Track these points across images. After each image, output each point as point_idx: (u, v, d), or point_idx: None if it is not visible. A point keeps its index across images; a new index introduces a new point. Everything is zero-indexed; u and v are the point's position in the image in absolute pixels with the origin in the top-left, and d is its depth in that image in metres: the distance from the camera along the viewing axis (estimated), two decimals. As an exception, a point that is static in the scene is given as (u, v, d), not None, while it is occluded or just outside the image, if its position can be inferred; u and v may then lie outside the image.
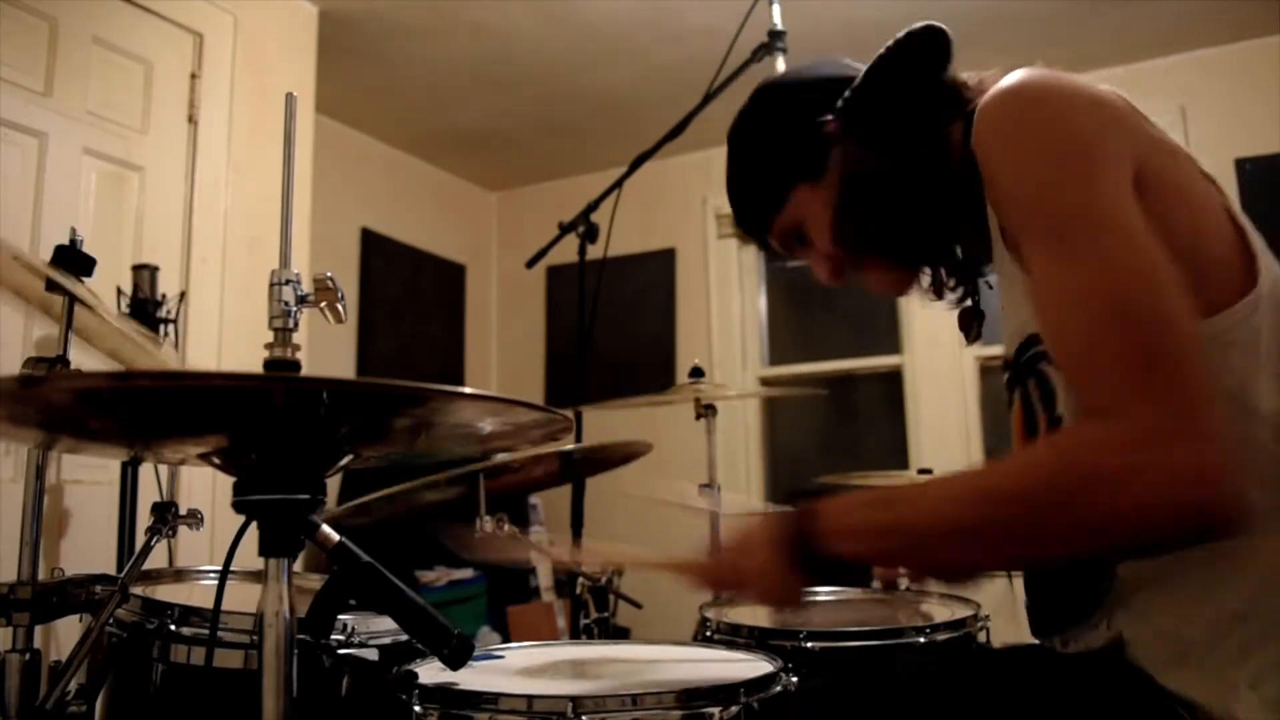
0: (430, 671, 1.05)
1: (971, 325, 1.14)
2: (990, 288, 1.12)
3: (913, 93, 1.02)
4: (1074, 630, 0.99)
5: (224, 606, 1.00)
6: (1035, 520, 0.79)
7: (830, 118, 1.04)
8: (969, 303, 1.15)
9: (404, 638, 1.16)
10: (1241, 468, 0.74)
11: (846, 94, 1.04)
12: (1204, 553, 0.83)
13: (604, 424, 2.66)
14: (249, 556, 0.84)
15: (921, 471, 2.14)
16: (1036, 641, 1.09)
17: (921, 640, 1.29)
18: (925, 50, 1.02)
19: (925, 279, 1.13)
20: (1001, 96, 0.89)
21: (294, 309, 0.83)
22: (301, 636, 0.83)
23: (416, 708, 0.96)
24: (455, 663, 0.91)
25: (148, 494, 1.99)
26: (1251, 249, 0.89)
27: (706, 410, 2.02)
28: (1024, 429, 1.01)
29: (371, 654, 1.15)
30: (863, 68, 1.05)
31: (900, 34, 1.03)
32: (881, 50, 1.03)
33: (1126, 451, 0.75)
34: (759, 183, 1.13)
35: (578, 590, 1.94)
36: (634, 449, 1.76)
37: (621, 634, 2.43)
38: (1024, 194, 0.87)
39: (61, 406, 0.77)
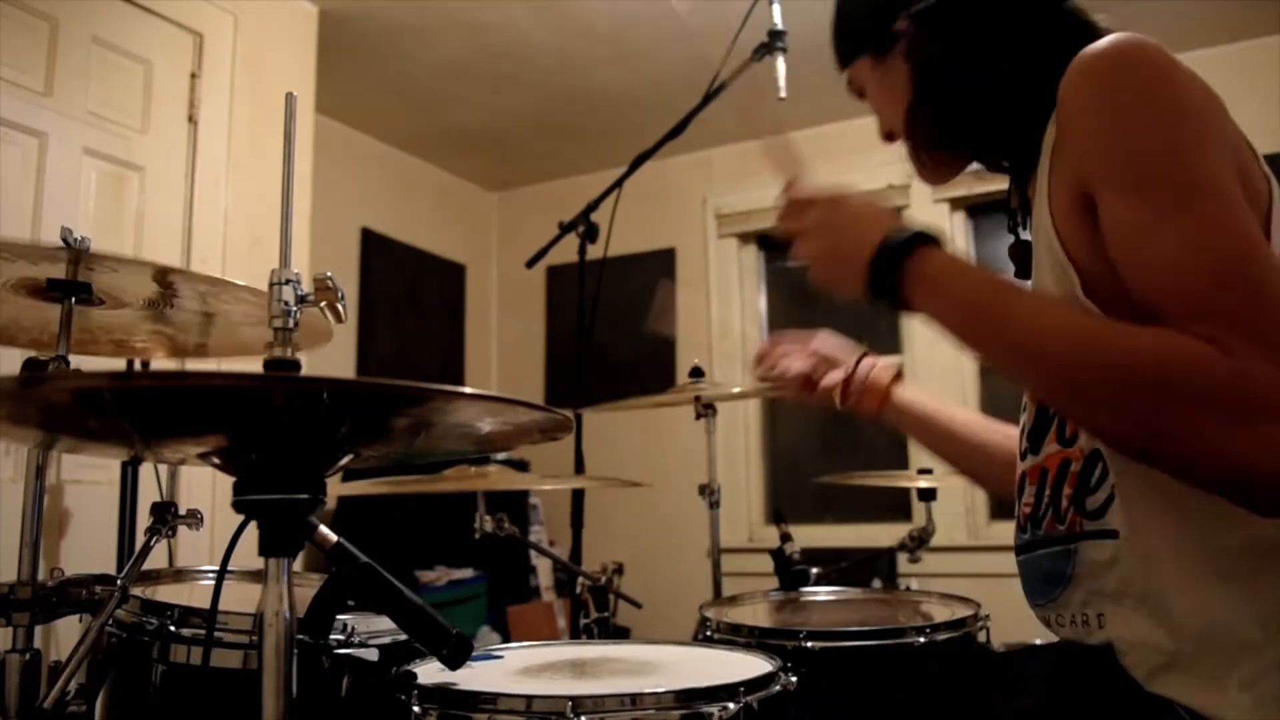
0: (429, 672, 1.05)
1: (1020, 256, 1.10)
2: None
3: (1000, 17, 1.02)
4: (1054, 604, 0.99)
5: (224, 606, 1.00)
6: (1127, 392, 0.79)
7: (903, 20, 1.06)
8: (1017, 236, 1.12)
9: (404, 638, 1.16)
10: None
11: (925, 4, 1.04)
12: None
13: (604, 424, 2.66)
14: (249, 556, 0.84)
15: (921, 471, 2.14)
16: (1037, 641, 1.09)
17: (921, 640, 1.29)
18: None
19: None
20: (1109, 53, 0.88)
21: (294, 309, 0.83)
22: (301, 636, 0.83)
23: (415, 708, 0.96)
24: (454, 662, 0.91)
25: (148, 494, 1.99)
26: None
27: (706, 410, 2.02)
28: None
29: (371, 654, 1.15)
30: None
31: None
32: None
33: (1250, 388, 0.74)
34: (837, 34, 1.17)
35: (578, 590, 1.94)
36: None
37: (621, 634, 2.43)
38: (1131, 147, 0.85)
39: (61, 406, 0.77)
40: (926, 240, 0.91)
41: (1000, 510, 3.72)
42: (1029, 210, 1.05)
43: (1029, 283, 1.02)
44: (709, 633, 1.39)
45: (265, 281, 0.83)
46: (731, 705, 0.94)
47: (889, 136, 1.15)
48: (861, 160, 3.33)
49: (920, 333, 3.96)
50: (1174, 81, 0.87)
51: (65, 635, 1.61)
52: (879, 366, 1.38)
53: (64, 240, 1.18)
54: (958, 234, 3.99)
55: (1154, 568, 0.89)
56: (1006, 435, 1.30)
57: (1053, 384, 0.86)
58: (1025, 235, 1.09)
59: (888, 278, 0.91)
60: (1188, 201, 0.81)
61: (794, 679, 1.03)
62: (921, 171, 1.13)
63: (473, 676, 1.07)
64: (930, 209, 3.89)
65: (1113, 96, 0.87)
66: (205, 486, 2.52)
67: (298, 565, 1.04)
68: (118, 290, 1.30)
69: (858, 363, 1.38)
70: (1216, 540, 0.86)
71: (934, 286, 0.90)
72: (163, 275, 1.27)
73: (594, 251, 2.38)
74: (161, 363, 1.66)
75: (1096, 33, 0.98)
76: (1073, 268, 0.90)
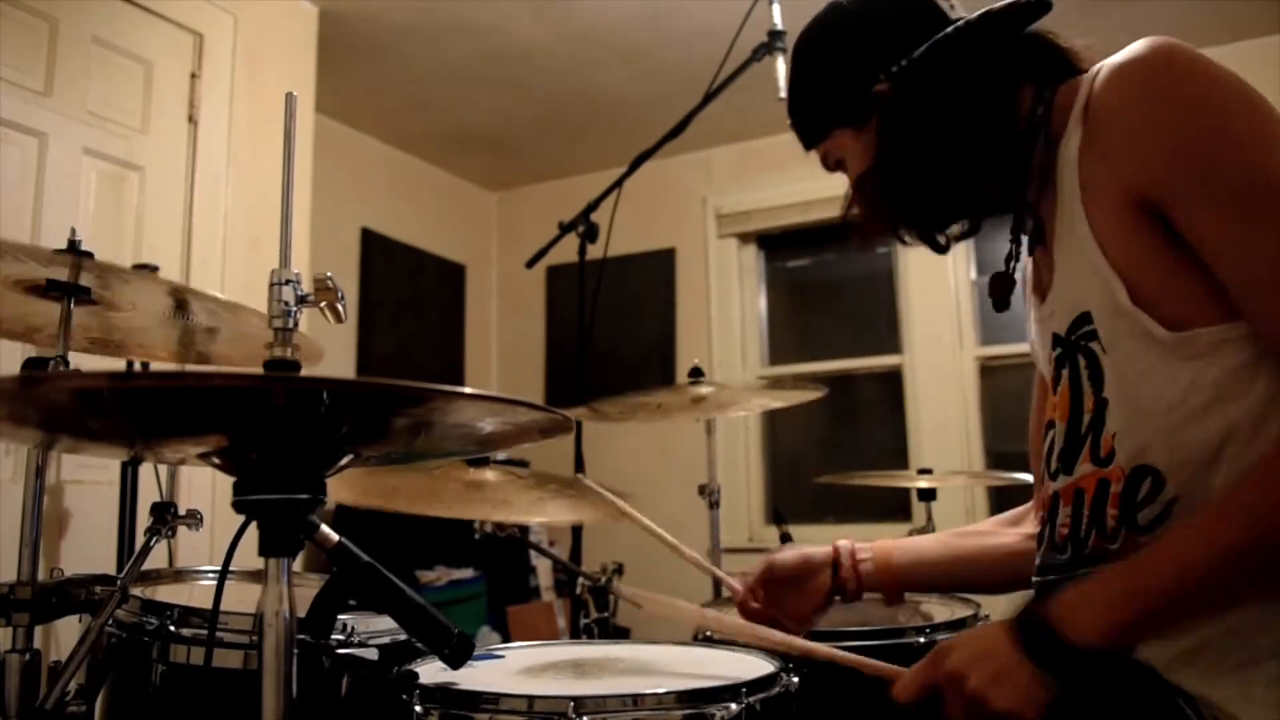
0: (431, 671, 1.05)
1: (1000, 290, 1.10)
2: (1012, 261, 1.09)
3: (978, 65, 1.00)
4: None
5: (224, 606, 1.00)
6: None
7: (882, 81, 1.03)
8: (1004, 267, 1.11)
9: (404, 637, 1.16)
10: None
11: (903, 63, 1.01)
12: None
13: (604, 424, 2.66)
14: (249, 556, 0.84)
15: (921, 471, 2.14)
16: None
17: (921, 640, 1.29)
18: (1011, 17, 1.00)
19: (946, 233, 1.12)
20: (1151, 59, 0.88)
21: (294, 309, 0.83)
22: (301, 636, 0.83)
23: (417, 708, 0.96)
24: (455, 662, 0.91)
25: (148, 494, 1.99)
26: None
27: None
28: (1069, 409, 0.99)
29: (371, 654, 1.15)
30: (945, 4, 1.03)
31: (995, 5, 1.01)
32: (956, 23, 1.01)
33: None
34: (803, 111, 1.13)
35: (578, 590, 1.94)
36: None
37: (621, 634, 2.42)
38: (1204, 156, 0.85)
39: (61, 406, 0.77)
40: (1036, 607, 0.87)
41: (1000, 511, 3.72)
42: (1041, 231, 1.04)
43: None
44: (709, 633, 1.39)
45: (266, 282, 0.83)
46: (734, 706, 0.94)
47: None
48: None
49: (920, 333, 3.96)
50: (1225, 84, 0.87)
51: (65, 635, 1.61)
52: (857, 552, 1.26)
53: (69, 244, 1.18)
54: (958, 257, 3.92)
55: None
56: (983, 534, 1.29)
57: (1255, 570, 0.81)
58: (1018, 265, 1.10)
59: (1054, 649, 0.83)
60: (1272, 205, 0.82)
61: (795, 679, 1.03)
62: (861, 233, 1.11)
63: (474, 676, 1.07)
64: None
65: (1165, 104, 0.86)
66: (205, 486, 2.52)
67: (298, 565, 1.04)
68: (117, 295, 1.30)
69: (835, 561, 1.26)
70: None
71: (1080, 609, 0.83)
72: (175, 292, 1.27)
73: (594, 251, 2.38)
74: (161, 366, 1.66)
75: (1064, 51, 1.00)
76: (1118, 278, 0.89)
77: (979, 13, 1.02)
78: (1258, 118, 0.86)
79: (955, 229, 1.11)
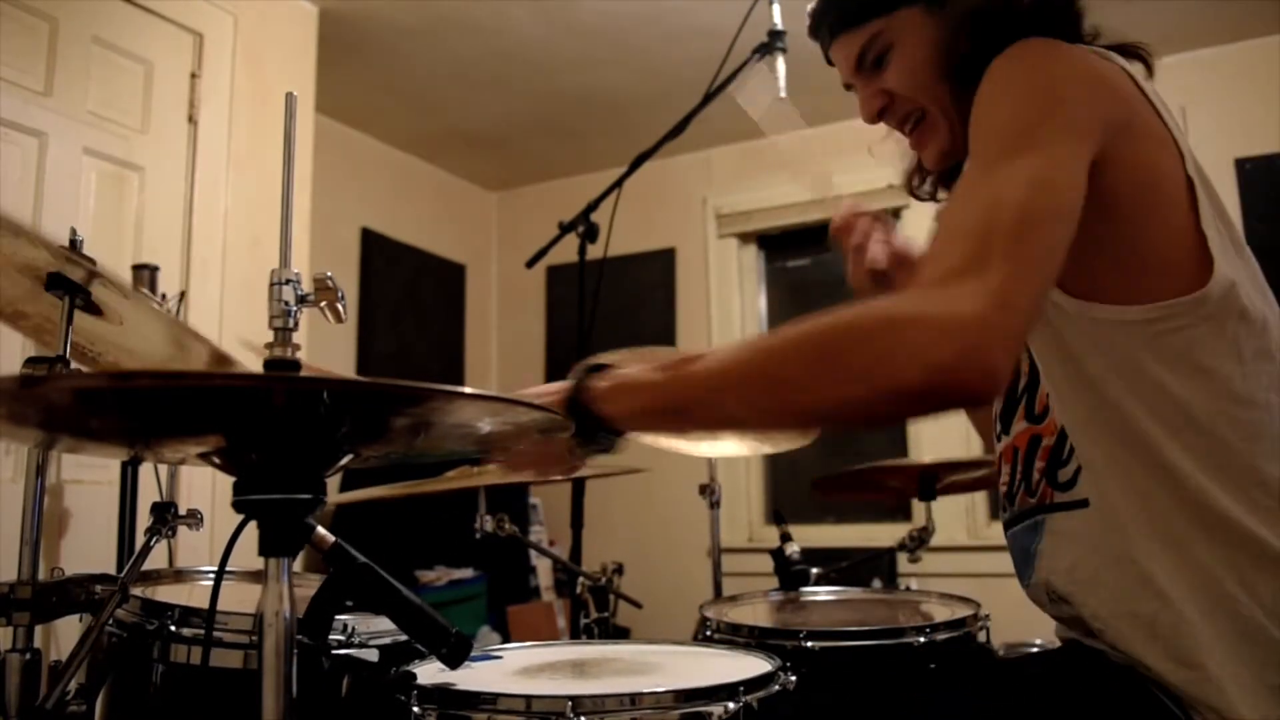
0: (429, 672, 1.05)
1: None
2: None
3: None
4: (1030, 578, 1.02)
5: (224, 606, 1.00)
6: (812, 359, 0.80)
7: None
8: None
9: (404, 638, 1.16)
10: (1012, 341, 0.76)
11: None
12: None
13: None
14: (249, 556, 0.84)
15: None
16: (1037, 641, 1.09)
17: (921, 640, 1.29)
18: None
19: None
20: (1006, 51, 0.92)
21: (294, 309, 0.83)
22: (301, 637, 0.83)
23: (415, 708, 0.96)
24: (453, 661, 0.91)
25: (148, 494, 1.99)
26: (1209, 255, 0.90)
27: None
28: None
29: (371, 654, 1.15)
30: None
31: None
32: None
33: (916, 303, 0.77)
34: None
35: (578, 590, 1.94)
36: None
37: (621, 634, 2.43)
38: (985, 124, 0.90)
39: (61, 406, 0.77)
40: (587, 379, 0.93)
41: (1000, 511, 3.72)
42: None
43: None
44: (709, 633, 1.39)
45: (266, 282, 0.83)
46: (731, 705, 0.94)
47: (882, 114, 1.10)
48: (860, 160, 3.32)
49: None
50: (1040, 68, 0.90)
51: (65, 635, 1.61)
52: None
53: (70, 242, 1.18)
54: None
55: (1127, 535, 0.91)
56: None
57: (765, 387, 0.84)
58: None
59: (587, 420, 0.91)
60: (1009, 159, 0.84)
61: (793, 679, 1.03)
62: (916, 146, 1.13)
63: (472, 676, 1.07)
64: (931, 209, 3.89)
65: (985, 85, 0.91)
66: (205, 486, 2.52)
67: (297, 565, 1.04)
68: (111, 307, 1.30)
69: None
70: (1189, 504, 0.88)
71: (618, 389, 0.90)
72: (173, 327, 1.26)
73: (594, 251, 2.38)
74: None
75: (1080, 25, 1.01)
76: None
77: None
78: (1052, 99, 0.88)
79: None
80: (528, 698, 0.94)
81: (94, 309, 1.31)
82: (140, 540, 1.31)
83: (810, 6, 1.13)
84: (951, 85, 1.01)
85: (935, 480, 2.03)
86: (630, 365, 0.93)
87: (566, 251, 2.44)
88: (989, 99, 0.91)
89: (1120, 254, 0.90)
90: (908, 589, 1.89)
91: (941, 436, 3.86)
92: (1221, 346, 0.89)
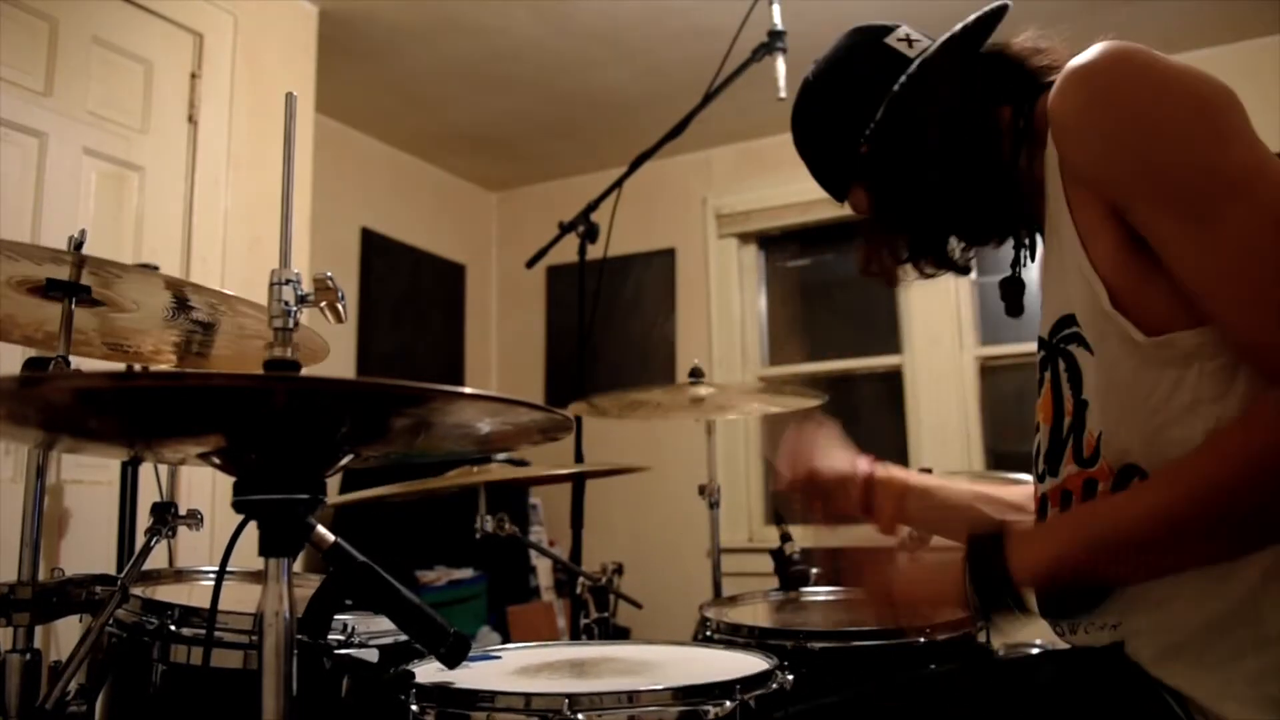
0: (428, 671, 1.05)
1: (1011, 294, 1.11)
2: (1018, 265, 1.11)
3: (941, 102, 1.02)
4: (1082, 619, 0.98)
5: (224, 606, 1.00)
6: (1242, 506, 0.80)
7: (862, 143, 1.06)
8: (1010, 272, 1.12)
9: (404, 638, 1.16)
10: None
11: (871, 126, 1.04)
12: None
13: (604, 424, 2.66)
14: (249, 556, 0.84)
15: (922, 471, 2.14)
16: (1037, 642, 1.09)
17: (921, 640, 1.29)
18: (958, 44, 1.03)
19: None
20: (1102, 62, 0.88)
21: (294, 309, 0.83)
22: (301, 636, 0.83)
23: (414, 707, 0.96)
24: (452, 661, 0.91)
25: (148, 494, 1.99)
26: None
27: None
28: (1052, 412, 1.00)
29: (371, 654, 1.15)
30: (903, 46, 1.06)
31: (937, 41, 1.04)
32: (905, 75, 1.03)
33: None
34: (819, 176, 1.17)
35: (578, 590, 1.94)
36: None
37: (621, 634, 2.43)
38: (1153, 157, 0.85)
39: (61, 406, 0.77)
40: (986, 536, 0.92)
41: (1000, 510, 3.72)
42: (1036, 238, 1.06)
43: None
44: (709, 633, 1.40)
45: (266, 282, 0.83)
46: (728, 703, 0.94)
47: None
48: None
49: (920, 333, 3.96)
50: (1176, 81, 0.86)
51: (65, 635, 1.61)
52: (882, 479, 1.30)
53: (75, 244, 1.18)
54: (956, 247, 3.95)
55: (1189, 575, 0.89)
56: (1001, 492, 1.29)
57: (1195, 539, 0.84)
58: (1025, 269, 1.11)
59: (997, 581, 0.89)
60: (1224, 204, 0.81)
61: (790, 677, 1.03)
62: (884, 276, 1.14)
63: (471, 676, 1.07)
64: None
65: (1112, 107, 0.86)
66: (205, 486, 2.52)
67: (297, 565, 1.04)
68: (118, 294, 1.30)
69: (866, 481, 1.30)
70: None
71: (1031, 553, 0.89)
72: (175, 287, 1.27)
73: (594, 251, 2.38)
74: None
75: (1032, 57, 1.02)
76: (1100, 281, 0.89)
77: (922, 51, 1.05)
78: (1208, 115, 0.85)
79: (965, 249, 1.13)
80: (526, 696, 0.94)
81: (99, 304, 1.31)
82: (140, 540, 1.31)
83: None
84: (905, 229, 1.08)
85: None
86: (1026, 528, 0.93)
87: (566, 251, 2.45)
88: (1130, 130, 0.85)
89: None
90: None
91: (942, 439, 3.86)
92: None
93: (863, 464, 1.27)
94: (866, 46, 1.09)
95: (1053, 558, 0.88)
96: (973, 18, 1.03)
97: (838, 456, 1.29)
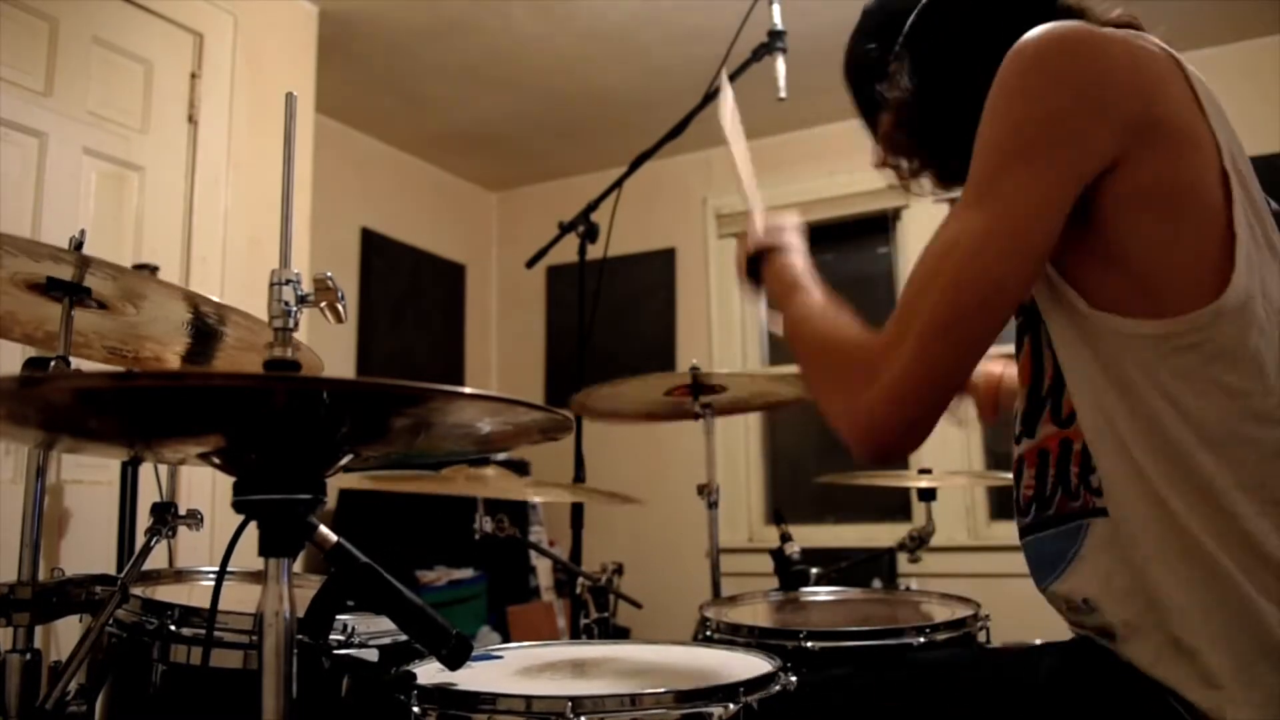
0: (429, 672, 1.05)
1: None
2: None
3: (978, 16, 1.03)
4: (1055, 582, 0.99)
5: (224, 606, 1.00)
6: (809, 368, 1.06)
7: (898, 48, 1.08)
8: None
9: (404, 638, 1.16)
10: (902, 428, 0.90)
11: (906, 27, 1.07)
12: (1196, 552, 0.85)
13: (604, 424, 2.66)
14: (249, 556, 0.84)
15: (922, 471, 2.14)
16: (1036, 642, 1.09)
17: (921, 640, 1.29)
18: None
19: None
20: (1020, 43, 0.90)
21: (294, 309, 0.83)
22: (301, 637, 0.83)
23: (415, 708, 0.96)
24: (454, 663, 0.91)
25: (148, 494, 1.99)
26: (1233, 260, 0.87)
27: (705, 409, 2.01)
28: (1030, 373, 1.02)
29: (372, 654, 1.15)
30: None
31: None
32: None
33: (854, 370, 0.94)
34: (853, 84, 1.22)
35: (578, 590, 1.94)
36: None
37: (621, 634, 2.43)
38: (979, 140, 0.91)
39: (61, 406, 0.77)
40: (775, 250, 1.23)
41: (1000, 510, 3.72)
42: None
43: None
44: (709, 633, 1.39)
45: (265, 282, 0.83)
46: (731, 705, 0.94)
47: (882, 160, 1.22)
48: (860, 161, 3.33)
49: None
50: (1043, 69, 0.88)
51: (65, 635, 1.61)
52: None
53: (75, 244, 1.18)
54: None
55: (1138, 548, 0.89)
56: None
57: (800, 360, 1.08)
58: None
59: (756, 269, 1.24)
60: (981, 198, 0.89)
61: (794, 679, 1.03)
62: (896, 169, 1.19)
63: (472, 677, 1.07)
64: (931, 209, 3.89)
65: (992, 88, 0.91)
66: (205, 486, 2.52)
67: (298, 565, 1.04)
68: (119, 295, 1.30)
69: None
70: (1210, 519, 0.86)
71: (772, 274, 1.23)
72: (187, 298, 1.27)
73: (594, 251, 2.38)
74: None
75: (1068, 5, 1.00)
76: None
77: None
78: (1049, 132, 0.88)
79: None
80: (528, 698, 0.94)
81: (100, 305, 1.31)
82: (140, 540, 1.31)
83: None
84: (917, 145, 1.13)
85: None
86: (797, 253, 1.27)
87: (566, 251, 2.44)
88: (989, 109, 0.91)
89: (1138, 265, 0.88)
90: (908, 589, 1.89)
91: (942, 439, 3.85)
92: (1242, 361, 0.86)
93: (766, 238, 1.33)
94: None
95: (777, 292, 1.21)
96: None
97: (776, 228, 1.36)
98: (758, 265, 1.25)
